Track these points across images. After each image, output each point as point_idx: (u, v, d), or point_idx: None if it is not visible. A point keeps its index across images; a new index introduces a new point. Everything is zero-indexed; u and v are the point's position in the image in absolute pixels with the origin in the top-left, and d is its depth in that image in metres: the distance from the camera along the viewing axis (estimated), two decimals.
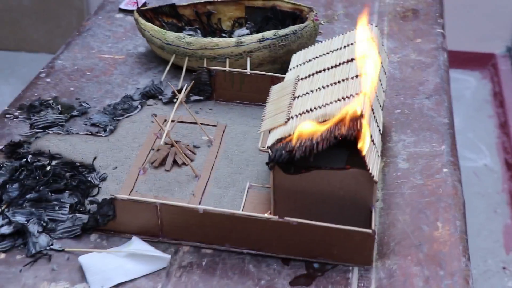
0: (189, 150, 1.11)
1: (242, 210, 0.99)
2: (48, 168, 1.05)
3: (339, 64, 1.02)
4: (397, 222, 0.99)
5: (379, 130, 0.95)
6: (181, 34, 1.31)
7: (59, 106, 1.23)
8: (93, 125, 1.19)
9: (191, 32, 1.44)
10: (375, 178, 0.88)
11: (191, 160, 1.10)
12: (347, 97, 0.93)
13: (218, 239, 0.95)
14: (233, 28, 1.46)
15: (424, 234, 0.96)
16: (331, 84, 0.98)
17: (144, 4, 1.46)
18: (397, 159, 1.12)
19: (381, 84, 1.03)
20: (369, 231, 0.89)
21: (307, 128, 0.90)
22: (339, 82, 0.98)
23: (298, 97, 1.00)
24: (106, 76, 1.36)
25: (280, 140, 0.92)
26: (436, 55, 1.40)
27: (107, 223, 0.96)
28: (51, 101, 1.23)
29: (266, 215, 0.92)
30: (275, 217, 0.92)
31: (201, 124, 1.15)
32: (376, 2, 1.65)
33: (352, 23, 1.56)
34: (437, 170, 1.08)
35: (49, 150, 1.10)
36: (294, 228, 0.91)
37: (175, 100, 1.09)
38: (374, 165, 0.89)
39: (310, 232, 0.91)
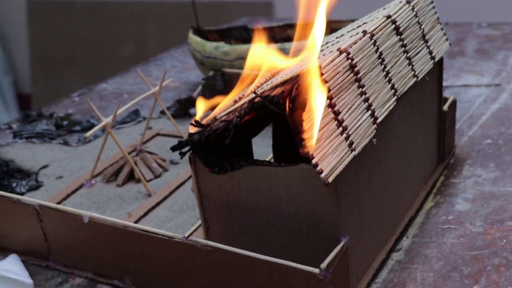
0: (158, 164, 0.81)
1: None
2: None
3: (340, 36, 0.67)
4: (410, 282, 0.59)
5: (367, 106, 0.57)
6: (220, 43, 1.04)
7: (59, 120, 1.01)
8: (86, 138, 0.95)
9: None
10: (328, 178, 0.51)
11: (156, 176, 0.80)
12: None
13: (116, 269, 0.63)
14: None
15: None
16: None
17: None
18: (457, 199, 0.71)
19: (404, 51, 0.64)
20: (314, 270, 0.52)
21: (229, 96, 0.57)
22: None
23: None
24: (143, 100, 1.12)
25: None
26: None
27: None
28: (52, 114, 1.02)
29: (168, 232, 0.58)
30: (179, 236, 0.58)
31: None
32: None
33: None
34: None
35: None
36: (205, 255, 0.56)
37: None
38: (331, 159, 0.52)
39: (229, 263, 0.56)
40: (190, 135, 0.56)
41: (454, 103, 0.77)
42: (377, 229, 0.62)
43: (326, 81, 0.53)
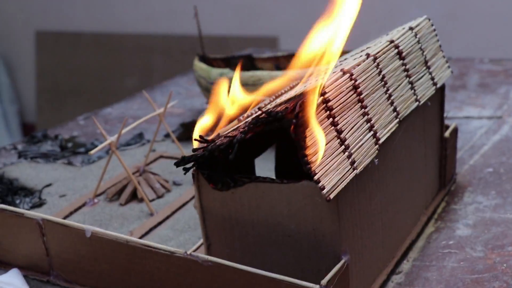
0: (161, 184, 0.81)
1: None
2: None
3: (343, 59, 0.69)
4: None
5: (370, 127, 0.58)
6: (225, 70, 1.05)
7: (64, 142, 1.02)
8: (90, 156, 0.95)
9: None
10: (330, 195, 0.52)
11: (159, 196, 0.80)
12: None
13: (117, 285, 0.63)
14: None
15: None
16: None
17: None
18: (458, 224, 0.71)
19: (407, 75, 0.66)
20: (315, 287, 0.52)
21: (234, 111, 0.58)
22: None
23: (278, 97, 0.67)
24: (147, 124, 1.13)
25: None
26: None
27: None
28: (57, 136, 1.03)
29: (169, 247, 0.59)
30: (181, 252, 0.58)
31: None
32: None
33: None
34: None
35: (3, 173, 0.88)
36: (206, 271, 0.57)
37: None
38: (333, 176, 0.53)
39: (230, 279, 0.56)
40: (194, 150, 0.57)
41: (455, 130, 0.78)
42: (377, 250, 0.62)
43: (329, 100, 0.54)
